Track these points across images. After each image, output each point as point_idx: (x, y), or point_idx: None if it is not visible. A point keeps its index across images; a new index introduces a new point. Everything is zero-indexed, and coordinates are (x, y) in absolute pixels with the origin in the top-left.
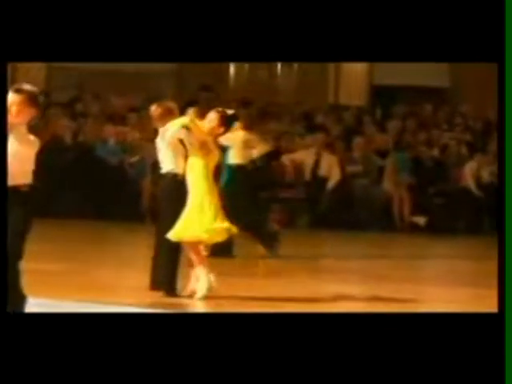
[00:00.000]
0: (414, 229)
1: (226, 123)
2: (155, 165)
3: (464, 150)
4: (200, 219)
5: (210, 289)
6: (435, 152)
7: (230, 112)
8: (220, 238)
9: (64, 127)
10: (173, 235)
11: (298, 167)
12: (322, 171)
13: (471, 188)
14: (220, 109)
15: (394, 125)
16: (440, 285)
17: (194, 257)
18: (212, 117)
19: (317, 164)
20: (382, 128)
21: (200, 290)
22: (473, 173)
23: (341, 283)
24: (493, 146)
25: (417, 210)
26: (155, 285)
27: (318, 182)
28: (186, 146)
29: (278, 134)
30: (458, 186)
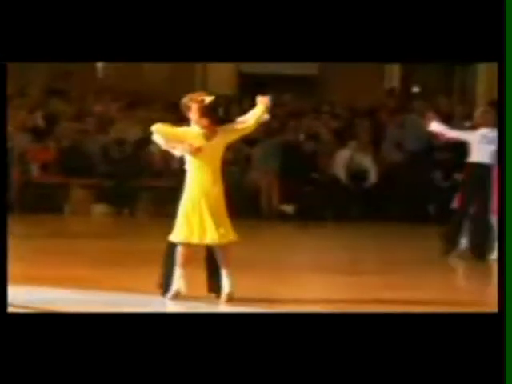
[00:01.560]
0: (283, 217)
1: (208, 112)
2: (22, 155)
3: (332, 139)
4: (190, 222)
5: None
6: (304, 140)
7: (208, 99)
8: (212, 242)
9: None
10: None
11: (166, 156)
12: None
13: (340, 176)
14: (199, 98)
15: None
16: (307, 272)
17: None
18: (193, 109)
19: None
20: None
21: (229, 288)
22: (342, 161)
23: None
24: (363, 135)
25: (285, 198)
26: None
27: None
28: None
29: (147, 122)
30: (327, 174)
